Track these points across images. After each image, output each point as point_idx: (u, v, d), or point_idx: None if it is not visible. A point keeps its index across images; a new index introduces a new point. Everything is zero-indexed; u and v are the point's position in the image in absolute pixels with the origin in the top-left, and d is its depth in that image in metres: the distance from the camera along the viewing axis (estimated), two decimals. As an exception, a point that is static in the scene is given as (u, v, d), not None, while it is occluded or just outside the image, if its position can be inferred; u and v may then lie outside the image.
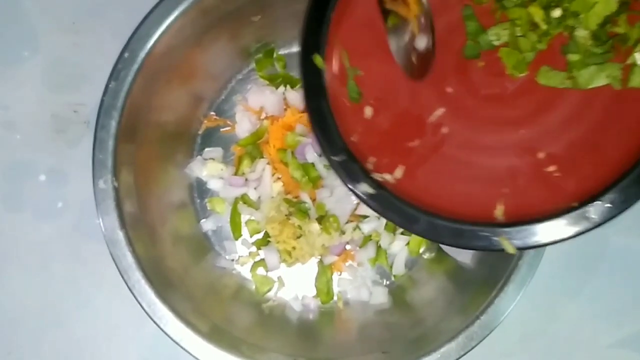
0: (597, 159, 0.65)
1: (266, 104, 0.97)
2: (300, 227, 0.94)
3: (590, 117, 0.64)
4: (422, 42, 0.65)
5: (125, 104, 0.77)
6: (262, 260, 0.97)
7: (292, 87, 0.97)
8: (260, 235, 0.97)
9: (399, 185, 0.68)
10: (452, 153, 0.67)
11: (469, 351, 0.77)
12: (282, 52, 0.99)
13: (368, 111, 0.68)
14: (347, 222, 0.95)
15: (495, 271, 0.80)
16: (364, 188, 0.67)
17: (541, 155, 0.66)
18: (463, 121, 0.67)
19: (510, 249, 0.66)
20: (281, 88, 0.97)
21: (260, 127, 0.97)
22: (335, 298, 0.96)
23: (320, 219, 0.94)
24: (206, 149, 0.99)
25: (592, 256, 0.96)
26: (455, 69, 0.66)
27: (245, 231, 0.98)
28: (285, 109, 0.97)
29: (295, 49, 0.98)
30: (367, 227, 0.95)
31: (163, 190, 0.92)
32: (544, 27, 0.62)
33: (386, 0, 0.66)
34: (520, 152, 0.66)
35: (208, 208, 0.98)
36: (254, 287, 0.97)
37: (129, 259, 0.77)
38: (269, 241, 0.96)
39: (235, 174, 0.97)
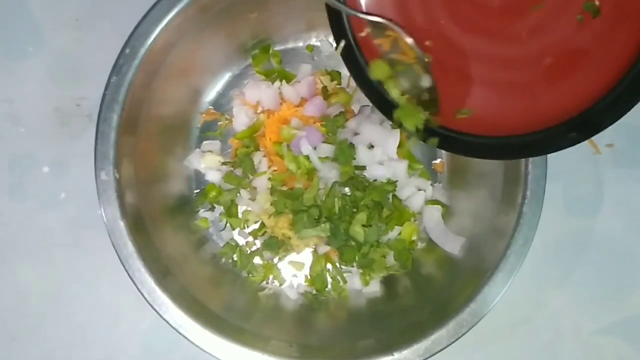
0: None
1: (262, 98, 0.98)
2: (295, 218, 0.95)
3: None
4: (426, 82, 0.68)
5: (127, 98, 0.79)
6: (258, 249, 0.98)
7: (288, 82, 0.99)
8: (256, 226, 0.99)
9: None
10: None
11: (459, 338, 0.79)
12: (277, 48, 1.00)
13: None
14: (341, 213, 0.96)
15: (484, 260, 0.82)
16: None
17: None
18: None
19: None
20: (277, 83, 0.98)
21: (257, 120, 0.98)
22: (329, 286, 0.97)
23: (315, 210, 0.95)
24: (204, 142, 1.00)
25: (577, 245, 0.98)
26: None
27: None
28: (281, 103, 0.98)
29: (290, 45, 1.01)
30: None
31: (162, 182, 0.93)
32: None
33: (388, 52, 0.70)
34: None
35: (206, 199, 0.99)
36: (250, 275, 0.98)
37: (129, 248, 0.79)
38: (265, 231, 0.97)
39: (232, 166, 0.98)
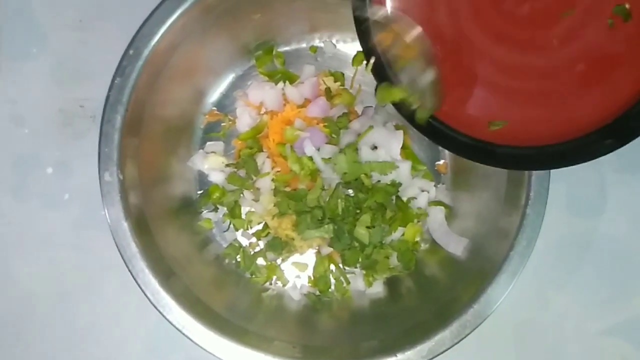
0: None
1: (266, 99, 0.98)
2: (298, 219, 0.95)
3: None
4: (429, 76, 0.68)
5: (130, 99, 0.79)
6: (262, 250, 0.98)
7: (291, 83, 0.98)
8: (259, 227, 0.99)
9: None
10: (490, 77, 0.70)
11: (462, 339, 0.79)
12: (281, 49, 1.00)
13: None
14: (344, 214, 0.96)
15: (488, 261, 0.82)
16: None
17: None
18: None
19: None
20: (280, 84, 0.98)
21: (260, 121, 0.98)
22: (332, 287, 0.97)
23: (318, 211, 0.95)
24: (208, 143, 1.00)
25: (581, 246, 0.98)
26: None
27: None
28: (284, 104, 0.98)
29: (294, 46, 1.00)
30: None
31: (166, 183, 0.93)
32: None
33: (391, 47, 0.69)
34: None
35: (209, 200, 0.99)
36: (254, 276, 0.98)
37: (133, 249, 0.79)
38: (268, 232, 0.97)
39: (236, 167, 0.98)
